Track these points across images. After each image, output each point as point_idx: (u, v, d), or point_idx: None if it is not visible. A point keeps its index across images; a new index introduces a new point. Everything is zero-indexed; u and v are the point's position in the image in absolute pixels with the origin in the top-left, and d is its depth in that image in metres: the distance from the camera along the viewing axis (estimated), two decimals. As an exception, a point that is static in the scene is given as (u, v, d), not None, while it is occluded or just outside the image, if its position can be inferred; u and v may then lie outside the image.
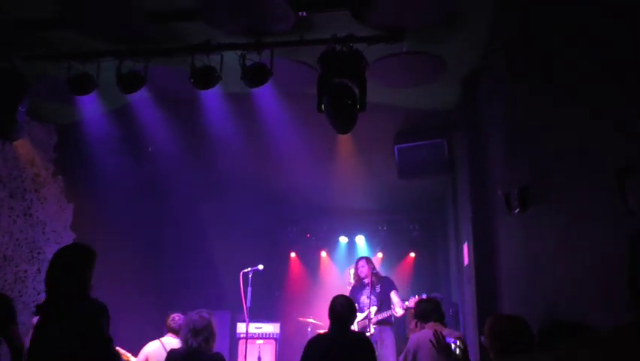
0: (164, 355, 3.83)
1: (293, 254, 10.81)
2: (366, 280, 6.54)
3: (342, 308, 3.83)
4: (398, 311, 6.18)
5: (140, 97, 5.51)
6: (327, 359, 3.58)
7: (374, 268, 6.60)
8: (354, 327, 6.28)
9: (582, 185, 2.49)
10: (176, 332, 4.85)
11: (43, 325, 2.71)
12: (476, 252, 5.01)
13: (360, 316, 6.35)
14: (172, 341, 4.80)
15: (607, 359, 0.36)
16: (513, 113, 3.90)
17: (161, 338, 4.98)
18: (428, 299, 5.18)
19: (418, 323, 4.59)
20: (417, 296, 6.16)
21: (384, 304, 6.35)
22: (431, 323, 4.40)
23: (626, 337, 0.38)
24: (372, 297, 6.23)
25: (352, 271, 6.98)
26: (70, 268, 2.78)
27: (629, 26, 1.95)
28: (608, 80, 2.17)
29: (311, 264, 10.73)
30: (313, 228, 10.52)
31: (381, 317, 6.25)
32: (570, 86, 2.66)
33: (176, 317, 5.01)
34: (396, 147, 6.53)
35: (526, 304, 3.58)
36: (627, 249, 0.50)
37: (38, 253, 6.23)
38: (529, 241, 3.57)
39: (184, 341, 3.40)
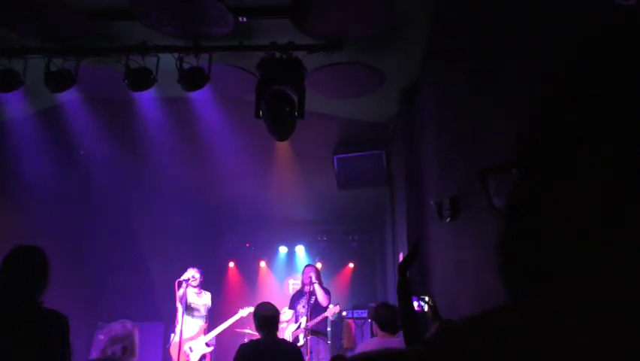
0: None
1: (232, 264, 10.64)
2: (305, 289, 6.46)
3: (268, 311, 3.83)
4: (328, 308, 6.18)
5: (71, 98, 5.28)
6: None
7: (316, 279, 6.45)
8: (288, 336, 6.21)
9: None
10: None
11: None
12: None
13: (294, 326, 6.29)
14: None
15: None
16: (446, 124, 4.01)
17: None
18: (390, 306, 4.16)
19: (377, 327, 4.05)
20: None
21: (314, 313, 6.24)
22: (384, 333, 3.95)
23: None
24: (307, 306, 6.17)
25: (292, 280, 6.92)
26: (29, 271, 2.52)
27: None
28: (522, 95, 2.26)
29: (250, 274, 10.61)
30: (253, 237, 10.42)
31: (315, 321, 6.16)
32: (491, 98, 2.75)
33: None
34: (335, 157, 6.58)
35: (456, 314, 3.65)
36: (494, 244, 0.49)
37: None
38: (458, 250, 3.65)
39: (102, 350, 3.29)
